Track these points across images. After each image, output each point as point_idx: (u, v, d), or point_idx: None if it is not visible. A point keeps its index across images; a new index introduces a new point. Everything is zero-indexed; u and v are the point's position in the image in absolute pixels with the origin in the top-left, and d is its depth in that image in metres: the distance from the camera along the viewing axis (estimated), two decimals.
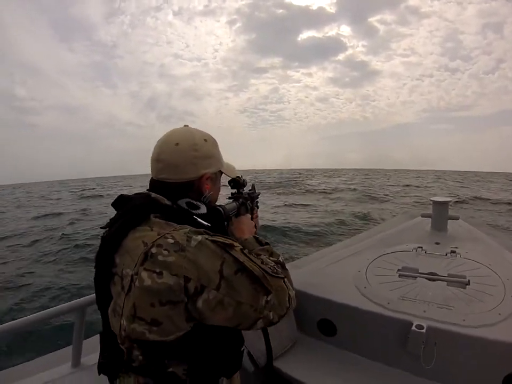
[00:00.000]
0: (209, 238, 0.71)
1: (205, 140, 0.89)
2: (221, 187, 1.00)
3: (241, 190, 1.16)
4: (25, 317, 1.16)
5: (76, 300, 1.26)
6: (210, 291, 0.67)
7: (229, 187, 1.16)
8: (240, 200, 1.12)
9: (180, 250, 0.68)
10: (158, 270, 0.67)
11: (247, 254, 0.74)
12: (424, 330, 1.26)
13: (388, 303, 1.45)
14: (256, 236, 0.99)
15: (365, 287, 1.60)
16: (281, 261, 0.86)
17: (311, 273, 1.86)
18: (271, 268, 0.77)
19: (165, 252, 0.68)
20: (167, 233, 0.71)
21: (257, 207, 1.27)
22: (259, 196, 1.30)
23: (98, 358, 0.82)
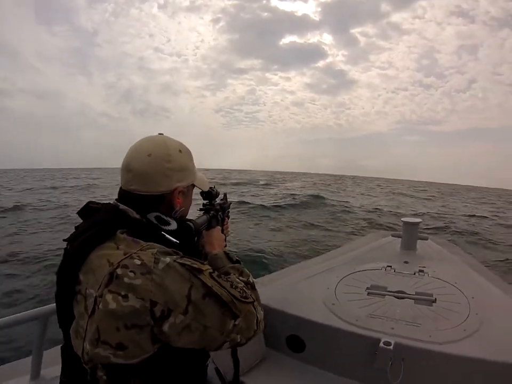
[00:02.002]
0: (178, 261, 0.69)
1: (180, 151, 0.85)
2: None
3: (213, 202, 1.13)
4: None
5: (38, 308, 1.19)
6: (177, 315, 0.65)
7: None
8: (211, 212, 1.09)
9: (146, 273, 0.65)
10: (123, 293, 0.64)
11: (216, 278, 0.72)
12: (391, 347, 1.25)
13: (356, 320, 1.44)
14: (227, 252, 0.96)
15: (333, 304, 1.59)
16: (251, 281, 0.85)
17: (281, 290, 1.83)
18: (240, 291, 0.75)
19: (131, 274, 0.65)
20: (134, 253, 0.68)
21: (228, 217, 1.25)
22: (230, 206, 1.28)
23: (59, 371, 0.78)
